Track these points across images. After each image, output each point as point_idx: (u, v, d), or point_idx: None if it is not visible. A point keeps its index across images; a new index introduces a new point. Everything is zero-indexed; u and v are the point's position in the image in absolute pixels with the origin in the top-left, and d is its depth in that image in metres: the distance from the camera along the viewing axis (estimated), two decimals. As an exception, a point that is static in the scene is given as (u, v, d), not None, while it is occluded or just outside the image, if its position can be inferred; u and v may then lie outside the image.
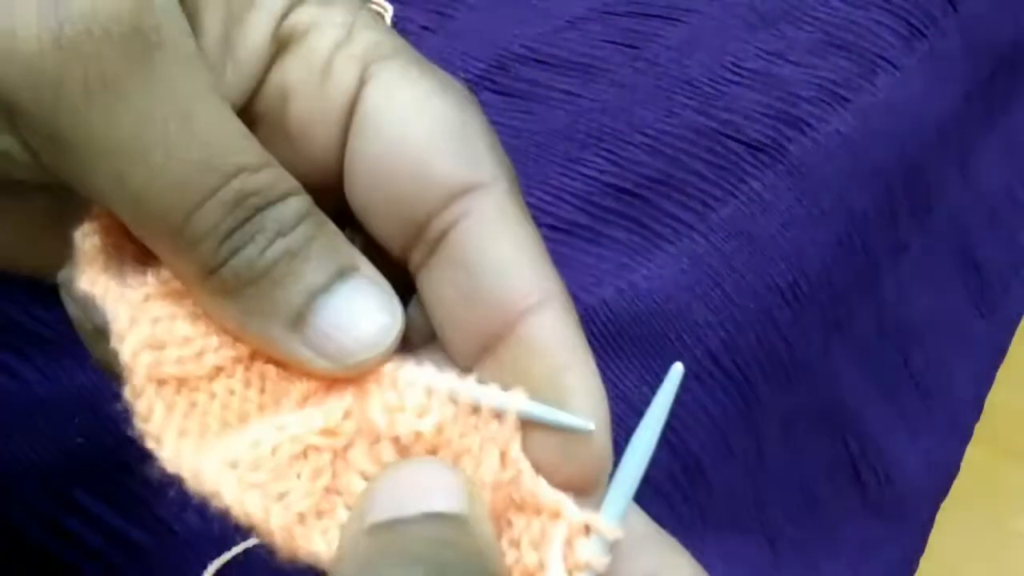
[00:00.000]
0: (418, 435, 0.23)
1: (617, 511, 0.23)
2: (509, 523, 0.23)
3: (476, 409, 0.23)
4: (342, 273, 0.23)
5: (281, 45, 0.24)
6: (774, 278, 0.44)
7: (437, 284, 0.25)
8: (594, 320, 0.39)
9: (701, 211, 0.45)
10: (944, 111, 0.59)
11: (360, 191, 0.25)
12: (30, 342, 0.36)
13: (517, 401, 0.23)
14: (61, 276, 0.25)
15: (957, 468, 0.64)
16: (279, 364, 0.24)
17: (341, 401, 0.24)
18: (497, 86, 0.52)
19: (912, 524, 0.58)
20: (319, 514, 0.23)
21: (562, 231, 0.43)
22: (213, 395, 0.23)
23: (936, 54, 0.58)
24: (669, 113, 0.49)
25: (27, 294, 0.38)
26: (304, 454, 0.23)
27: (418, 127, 0.24)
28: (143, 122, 0.21)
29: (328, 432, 0.23)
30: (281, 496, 0.22)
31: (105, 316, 0.23)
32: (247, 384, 0.24)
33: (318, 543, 0.22)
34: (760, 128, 0.49)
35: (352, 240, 0.25)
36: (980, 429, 0.67)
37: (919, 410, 0.59)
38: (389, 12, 0.57)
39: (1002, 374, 0.70)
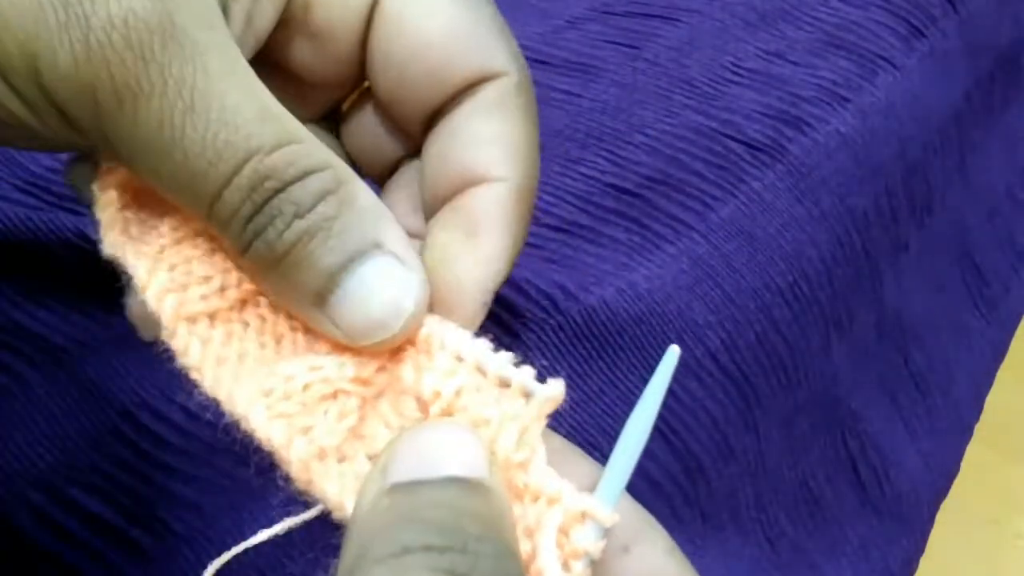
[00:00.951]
0: (438, 395, 0.23)
1: (612, 497, 0.23)
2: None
3: (505, 383, 0.24)
4: (363, 252, 0.24)
5: None
6: (774, 278, 0.44)
7: (430, 148, 0.28)
8: (594, 320, 0.39)
9: (701, 211, 0.45)
10: (944, 111, 0.59)
11: (383, 84, 0.28)
12: (30, 342, 0.36)
13: (552, 388, 0.24)
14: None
15: (957, 468, 0.64)
16: None
17: (377, 354, 0.25)
18: (497, 86, 0.52)
19: (912, 524, 0.58)
20: (340, 457, 0.23)
21: (562, 231, 0.43)
22: (246, 324, 0.25)
23: (936, 54, 0.58)
24: (669, 113, 0.49)
25: (27, 294, 0.38)
26: (334, 395, 0.24)
27: (435, 24, 0.27)
28: (162, 123, 0.22)
29: (360, 380, 0.24)
30: (306, 430, 0.23)
31: (128, 274, 0.24)
32: (276, 310, 0.25)
33: (332, 485, 0.23)
34: (760, 128, 0.49)
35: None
36: (980, 429, 0.67)
37: (919, 410, 0.59)
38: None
39: (1002, 374, 0.70)
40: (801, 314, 0.45)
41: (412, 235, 0.28)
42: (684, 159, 0.47)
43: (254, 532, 0.27)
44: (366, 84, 0.29)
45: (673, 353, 0.24)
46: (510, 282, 0.36)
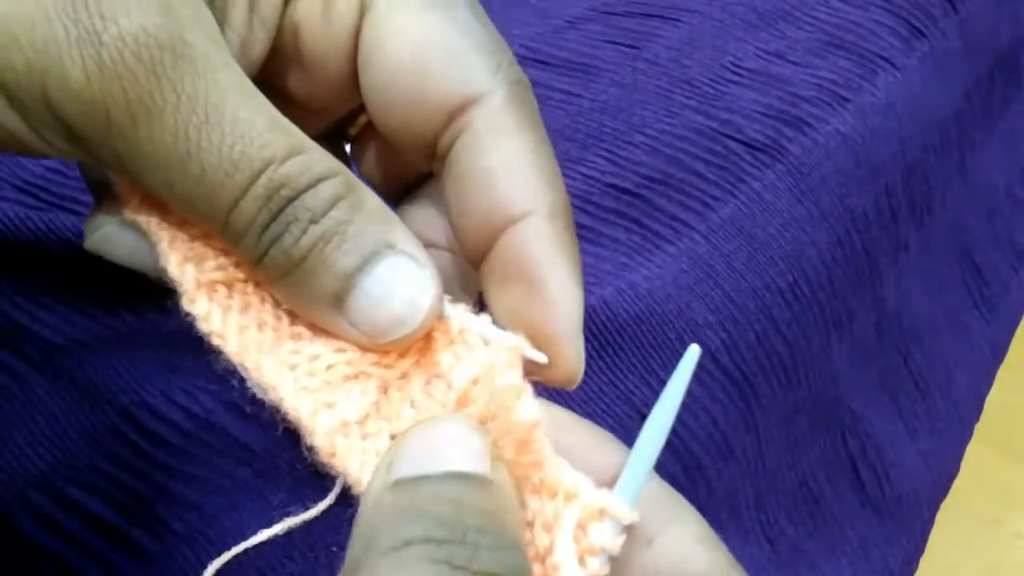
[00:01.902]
0: (474, 382, 0.24)
1: (631, 494, 0.23)
2: (524, 504, 0.24)
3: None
4: (377, 253, 0.24)
5: None
6: (774, 278, 0.44)
7: (447, 194, 0.27)
8: (594, 320, 0.39)
9: (701, 211, 0.45)
10: (944, 111, 0.59)
11: (373, 112, 0.27)
12: (30, 342, 0.36)
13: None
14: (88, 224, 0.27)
15: (957, 468, 0.64)
16: None
17: None
18: (497, 86, 0.52)
19: (912, 524, 0.58)
20: (363, 435, 0.24)
21: (562, 231, 0.43)
22: (262, 297, 0.26)
23: (936, 54, 0.58)
24: (669, 113, 0.49)
25: (27, 294, 0.38)
26: (356, 376, 0.25)
27: (409, 53, 0.26)
28: (177, 137, 0.22)
29: (382, 364, 0.25)
30: (330, 405, 0.24)
31: (151, 240, 0.25)
32: None
33: (354, 461, 0.24)
34: (760, 128, 0.49)
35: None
36: (980, 429, 0.67)
37: (919, 410, 0.59)
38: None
39: (1002, 374, 0.70)
40: (801, 314, 0.45)
41: (433, 245, 0.28)
42: (684, 159, 0.47)
43: (254, 532, 0.27)
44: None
45: (693, 352, 0.24)
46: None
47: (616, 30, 0.55)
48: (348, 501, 0.25)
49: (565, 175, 0.46)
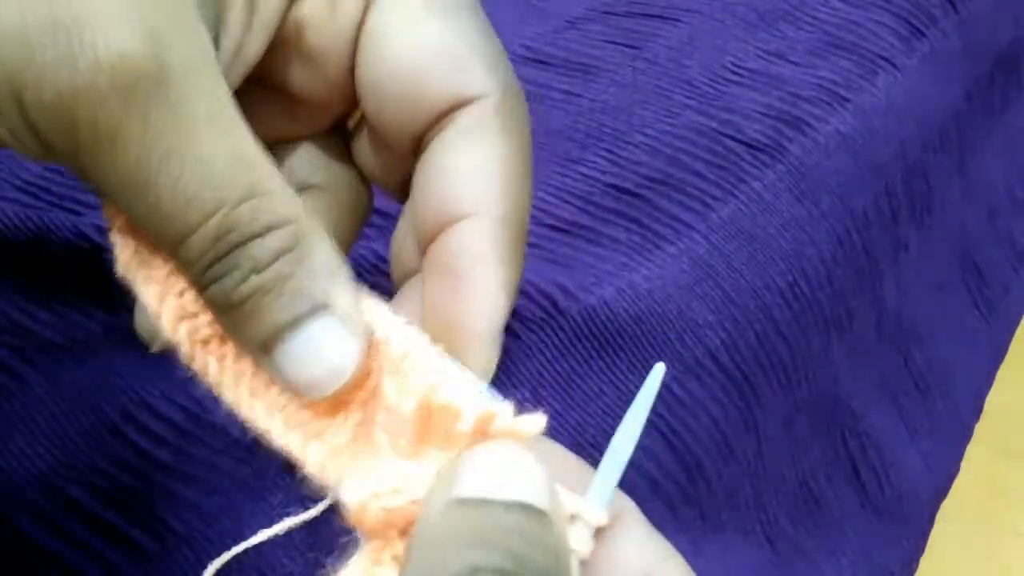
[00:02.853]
0: (423, 407, 0.24)
1: (603, 498, 0.24)
2: None
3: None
4: (311, 313, 0.24)
5: None
6: (774, 278, 0.44)
7: (412, 182, 0.28)
8: (594, 320, 0.39)
9: (701, 211, 0.45)
10: (944, 111, 0.59)
11: (367, 108, 0.28)
12: (30, 342, 0.36)
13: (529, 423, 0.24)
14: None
15: (957, 468, 0.64)
16: None
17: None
18: (497, 86, 0.52)
19: (912, 524, 0.58)
20: (353, 456, 0.25)
21: (562, 231, 0.43)
22: None
23: (936, 54, 0.58)
24: (669, 113, 0.49)
25: (27, 294, 0.38)
26: (340, 405, 0.25)
27: (410, 50, 0.27)
28: (139, 167, 0.23)
29: (357, 389, 0.25)
30: (319, 434, 0.25)
31: (140, 297, 0.26)
32: None
33: (346, 480, 0.24)
34: (760, 128, 0.49)
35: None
36: (980, 429, 0.67)
37: (919, 410, 0.59)
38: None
39: (1002, 374, 0.70)
40: (801, 314, 0.45)
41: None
42: (684, 159, 0.47)
43: (254, 532, 0.27)
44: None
45: (659, 370, 0.25)
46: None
47: (616, 30, 0.55)
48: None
49: (565, 175, 0.46)
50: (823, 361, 0.49)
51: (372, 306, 0.26)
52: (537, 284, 0.39)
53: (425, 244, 0.28)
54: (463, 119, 0.27)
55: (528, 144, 0.28)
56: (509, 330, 0.37)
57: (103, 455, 0.34)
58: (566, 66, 0.53)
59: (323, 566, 0.24)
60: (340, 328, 0.25)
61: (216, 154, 0.23)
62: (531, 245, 0.42)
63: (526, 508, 0.21)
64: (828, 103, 0.51)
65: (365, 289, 0.26)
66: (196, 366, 0.26)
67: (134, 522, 0.33)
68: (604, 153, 0.47)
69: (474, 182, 0.27)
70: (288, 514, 0.27)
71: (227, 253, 0.24)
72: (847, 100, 0.52)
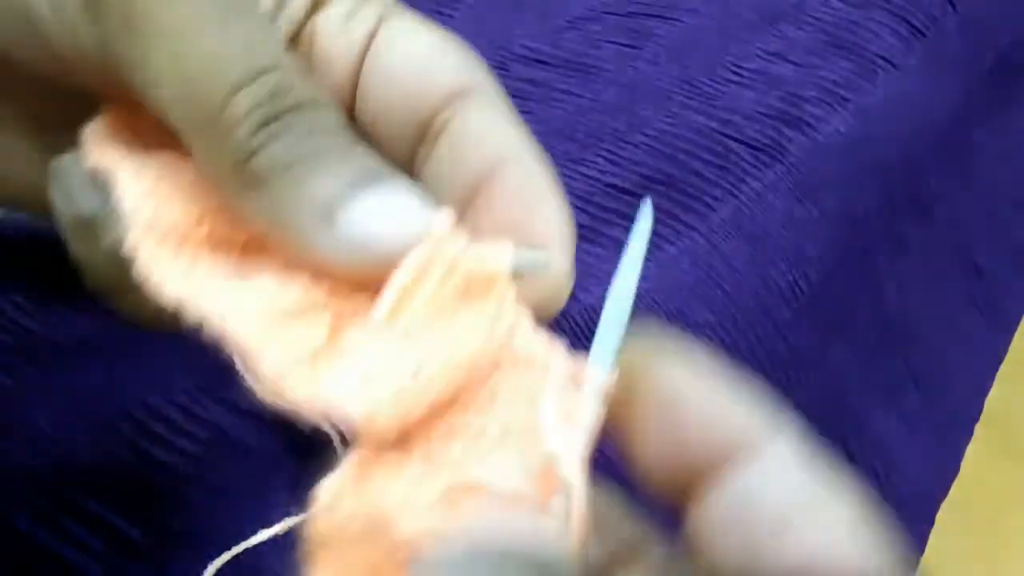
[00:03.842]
0: (409, 287, 0.22)
1: (606, 361, 0.22)
2: (492, 393, 0.22)
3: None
4: (381, 174, 0.23)
5: (316, 4, 0.28)
6: (774, 278, 0.44)
7: (434, 174, 0.27)
8: (594, 320, 0.39)
9: (701, 211, 0.45)
10: (944, 111, 0.59)
11: (371, 101, 0.28)
12: (30, 342, 0.36)
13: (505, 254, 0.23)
14: (54, 165, 0.26)
15: (957, 468, 0.64)
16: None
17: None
18: (497, 86, 0.52)
19: (912, 524, 0.58)
20: (314, 366, 0.22)
21: (562, 231, 0.43)
22: (214, 245, 0.24)
23: (936, 54, 0.58)
24: (669, 113, 0.49)
25: (27, 294, 0.38)
26: (309, 310, 0.23)
27: (422, 46, 0.28)
28: (198, 6, 0.22)
29: (330, 296, 0.23)
30: (278, 338, 0.22)
31: (109, 179, 0.25)
32: (236, 231, 0.25)
33: (303, 391, 0.22)
34: (760, 128, 0.49)
35: None
36: (980, 429, 0.67)
37: (919, 410, 0.59)
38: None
39: (1002, 374, 0.70)
40: (801, 314, 0.45)
41: None
42: (684, 159, 0.47)
43: (254, 532, 0.27)
44: None
45: (647, 208, 0.24)
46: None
47: (616, 30, 0.55)
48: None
49: (565, 175, 0.46)
50: (823, 361, 0.49)
51: None
52: (537, 284, 0.39)
53: (464, 195, 0.27)
54: (478, 99, 0.27)
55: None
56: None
57: (103, 455, 0.34)
58: (566, 66, 0.53)
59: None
60: (413, 188, 0.23)
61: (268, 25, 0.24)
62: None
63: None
64: (828, 103, 0.51)
65: None
66: (140, 254, 0.24)
67: (134, 522, 0.33)
68: (604, 153, 0.47)
69: (506, 133, 0.27)
70: (288, 514, 0.27)
71: (288, 111, 0.23)
72: (847, 100, 0.52)
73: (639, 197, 0.45)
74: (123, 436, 0.34)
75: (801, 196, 0.47)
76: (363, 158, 0.23)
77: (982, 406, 0.67)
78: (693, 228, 0.44)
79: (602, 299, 0.40)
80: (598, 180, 0.45)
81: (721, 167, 0.47)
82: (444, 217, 0.23)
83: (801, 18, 0.56)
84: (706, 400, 0.20)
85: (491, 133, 0.27)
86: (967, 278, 0.66)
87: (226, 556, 0.27)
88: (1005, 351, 0.71)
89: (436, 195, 0.27)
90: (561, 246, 0.26)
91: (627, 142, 0.47)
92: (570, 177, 0.45)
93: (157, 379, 0.35)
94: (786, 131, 0.49)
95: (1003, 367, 0.71)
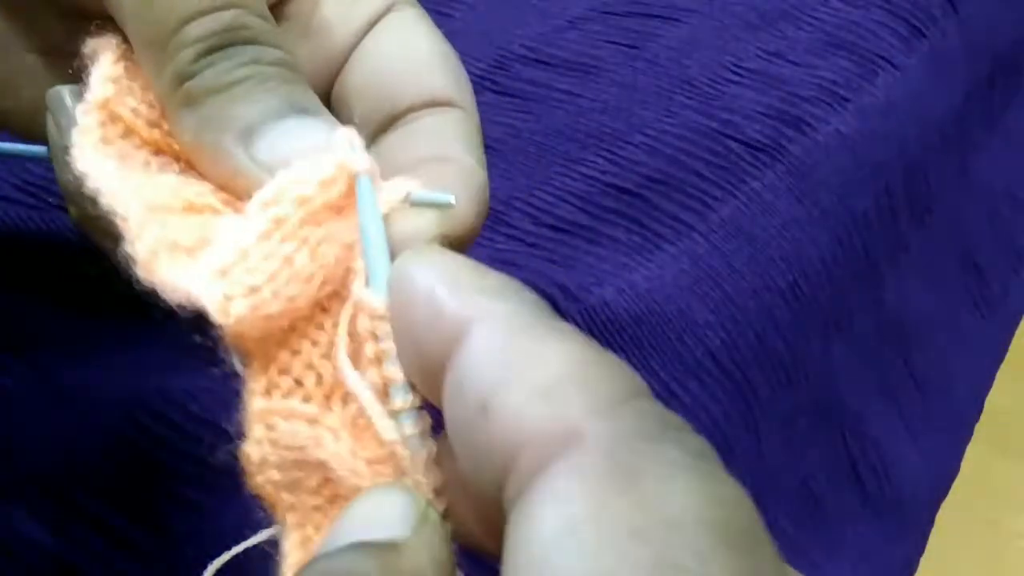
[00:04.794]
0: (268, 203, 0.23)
1: (380, 283, 0.22)
2: (319, 326, 0.23)
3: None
4: (306, 109, 0.24)
5: None
6: (774, 278, 0.44)
7: (394, 148, 0.28)
8: (594, 320, 0.39)
9: (701, 211, 0.45)
10: (944, 111, 0.59)
11: (354, 80, 0.29)
12: (30, 343, 0.36)
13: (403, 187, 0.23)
14: (49, 93, 0.27)
15: (957, 468, 0.64)
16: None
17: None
18: (497, 86, 0.52)
19: (912, 524, 0.58)
20: (190, 257, 0.23)
21: (562, 231, 0.43)
22: (147, 160, 0.25)
23: (936, 54, 0.58)
24: (669, 113, 0.49)
25: (28, 294, 0.38)
26: (200, 209, 0.24)
27: (421, 49, 0.28)
28: None
29: (229, 204, 0.24)
30: (159, 223, 0.23)
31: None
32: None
33: (169, 273, 0.22)
34: (760, 128, 0.49)
35: None
36: (980, 429, 0.67)
37: (919, 410, 0.59)
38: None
39: (1002, 374, 0.70)
40: (801, 314, 0.45)
41: None
42: (684, 159, 0.47)
43: (254, 532, 0.27)
44: None
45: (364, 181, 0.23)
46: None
47: (616, 30, 0.55)
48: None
49: (565, 175, 0.46)
50: (823, 361, 0.49)
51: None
52: (537, 284, 0.39)
53: (380, 119, 0.28)
54: (447, 116, 0.28)
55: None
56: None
57: (103, 455, 0.34)
58: (566, 66, 0.53)
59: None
60: (337, 126, 0.24)
61: None
62: (531, 245, 0.42)
63: (360, 546, 0.19)
64: (828, 103, 0.51)
65: None
66: (77, 149, 0.24)
67: (134, 522, 0.33)
68: (604, 153, 0.47)
69: (463, 147, 0.27)
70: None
71: (232, 44, 0.24)
72: (847, 100, 0.52)
73: (639, 197, 0.45)
74: (123, 436, 0.34)
75: (801, 196, 0.47)
76: (292, 93, 0.24)
77: (982, 406, 0.67)
78: (693, 228, 0.44)
79: (602, 300, 0.40)
80: (598, 180, 0.45)
81: (721, 167, 0.47)
82: (345, 133, 0.23)
83: (801, 18, 0.56)
84: (427, 296, 0.20)
85: (450, 144, 0.27)
86: (967, 278, 0.67)
87: (226, 556, 0.27)
88: (1005, 351, 0.71)
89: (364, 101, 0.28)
90: (467, 192, 0.26)
91: (627, 142, 0.47)
92: (570, 177, 0.45)
93: (158, 380, 0.35)
94: (786, 131, 0.49)
95: (1003, 367, 0.71)
